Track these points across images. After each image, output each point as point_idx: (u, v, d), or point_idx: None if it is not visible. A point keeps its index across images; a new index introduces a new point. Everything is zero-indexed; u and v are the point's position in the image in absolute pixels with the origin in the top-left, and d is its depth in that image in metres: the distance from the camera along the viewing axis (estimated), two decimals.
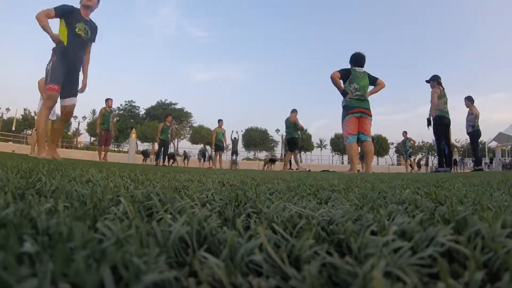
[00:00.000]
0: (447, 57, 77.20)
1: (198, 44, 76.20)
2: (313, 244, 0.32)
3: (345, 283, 0.26)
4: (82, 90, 4.19)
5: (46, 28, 3.65)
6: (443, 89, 6.21)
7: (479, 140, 7.45)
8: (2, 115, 31.45)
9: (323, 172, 6.33)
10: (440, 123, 6.11)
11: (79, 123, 35.94)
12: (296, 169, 9.05)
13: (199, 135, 38.90)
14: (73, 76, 4.00)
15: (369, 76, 5.15)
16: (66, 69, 3.87)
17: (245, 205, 0.61)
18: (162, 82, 72.90)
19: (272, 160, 16.50)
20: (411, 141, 12.54)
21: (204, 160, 15.90)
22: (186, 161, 16.07)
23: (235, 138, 13.70)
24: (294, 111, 9.12)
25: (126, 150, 22.03)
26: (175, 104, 43.92)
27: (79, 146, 33.23)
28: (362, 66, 5.22)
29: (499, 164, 13.89)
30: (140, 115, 44.58)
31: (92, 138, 37.83)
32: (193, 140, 39.42)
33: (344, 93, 5.09)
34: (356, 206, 0.62)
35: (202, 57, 78.77)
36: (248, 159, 32.37)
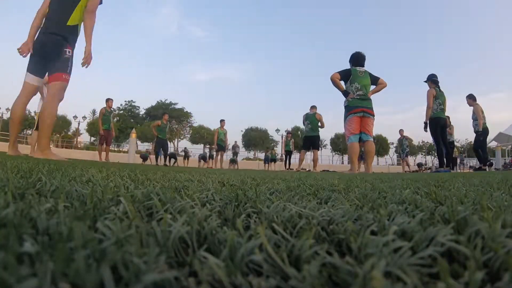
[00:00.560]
0: (447, 57, 77.33)
1: (198, 44, 76.24)
2: (313, 244, 0.32)
3: (345, 283, 0.26)
4: (85, 62, 3.55)
5: None
6: (439, 88, 6.19)
7: (484, 140, 7.37)
8: (2, 115, 31.46)
9: (323, 172, 6.33)
10: (437, 123, 6.10)
11: (79, 123, 35.99)
12: (297, 169, 8.93)
13: (199, 135, 38.93)
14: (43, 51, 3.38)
15: (371, 75, 5.11)
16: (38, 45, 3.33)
17: (245, 205, 0.61)
18: (162, 82, 72.91)
19: (273, 160, 16.55)
20: (408, 140, 12.25)
21: (205, 161, 15.93)
22: (186, 160, 16.07)
23: (235, 147, 13.72)
24: (316, 107, 8.58)
25: (126, 150, 22.03)
26: (175, 104, 43.96)
27: (79, 146, 33.25)
28: (363, 66, 5.18)
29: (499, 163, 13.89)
30: (140, 115, 44.61)
31: (92, 138, 37.84)
32: (193, 140, 39.46)
33: (345, 93, 5.06)
34: (356, 206, 0.62)
35: (202, 57, 78.83)
36: (248, 159, 32.39)
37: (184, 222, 0.38)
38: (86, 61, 3.58)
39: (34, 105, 6.19)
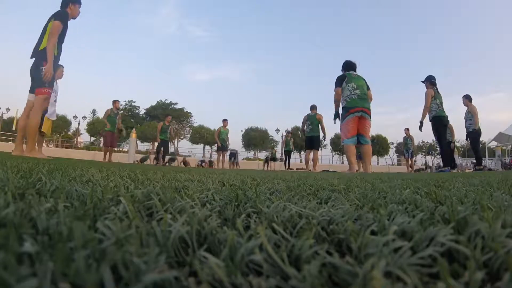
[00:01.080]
0: (447, 57, 77.32)
1: (198, 44, 76.14)
2: (313, 244, 0.32)
3: (345, 283, 0.26)
4: (47, 76, 4.10)
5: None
6: (437, 89, 6.22)
7: (479, 140, 7.43)
8: (2, 115, 31.47)
9: (323, 172, 6.33)
10: (439, 123, 6.12)
11: (79, 123, 35.99)
12: (297, 169, 8.93)
13: (199, 135, 38.91)
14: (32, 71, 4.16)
15: (365, 80, 5.20)
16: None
17: (245, 205, 0.61)
18: (162, 82, 72.85)
19: (273, 159, 16.55)
20: (411, 139, 12.25)
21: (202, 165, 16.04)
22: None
23: (233, 152, 13.75)
24: (316, 108, 8.75)
25: (126, 150, 22.01)
26: (175, 104, 43.93)
27: (79, 146, 33.24)
28: (355, 71, 5.32)
29: (498, 162, 13.89)
30: (140, 115, 44.58)
31: (92, 138, 37.84)
32: (193, 140, 39.43)
33: (336, 114, 5.25)
34: (356, 206, 0.62)
35: (202, 57, 78.73)
36: (248, 159, 32.37)
37: (184, 222, 0.38)
38: (46, 78, 4.11)
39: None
